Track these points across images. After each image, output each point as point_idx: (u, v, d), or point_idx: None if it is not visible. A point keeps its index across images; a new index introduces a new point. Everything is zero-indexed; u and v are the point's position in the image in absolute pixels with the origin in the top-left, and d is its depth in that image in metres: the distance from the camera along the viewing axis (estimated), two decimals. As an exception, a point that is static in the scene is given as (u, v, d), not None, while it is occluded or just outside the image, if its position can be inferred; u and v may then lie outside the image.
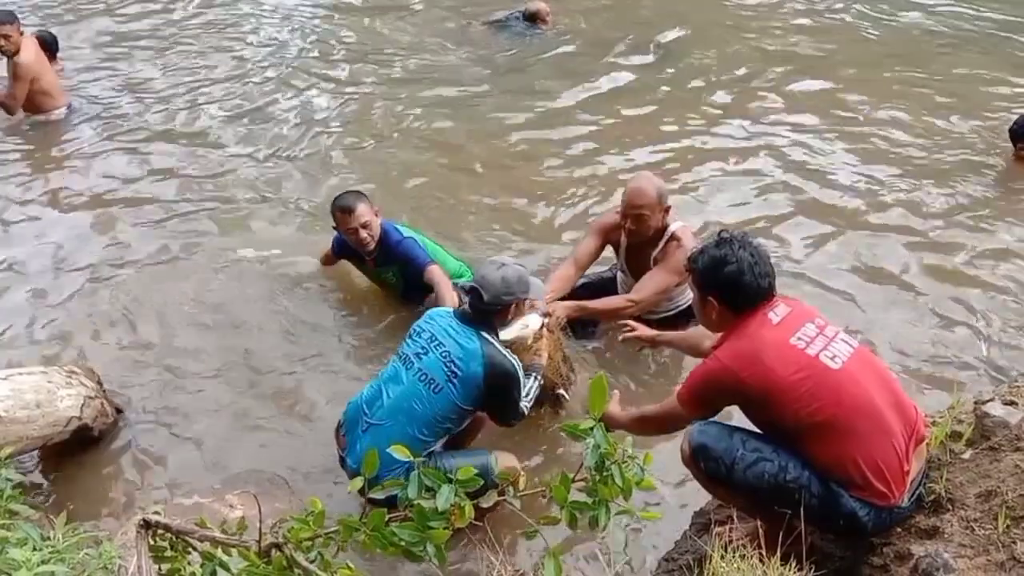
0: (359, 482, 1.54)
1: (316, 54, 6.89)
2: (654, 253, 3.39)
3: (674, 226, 3.37)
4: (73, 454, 3.18)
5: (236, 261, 4.31)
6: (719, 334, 2.39)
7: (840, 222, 4.52)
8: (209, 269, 4.27)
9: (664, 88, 6.13)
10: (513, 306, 2.81)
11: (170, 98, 6.04)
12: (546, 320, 3.09)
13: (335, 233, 3.74)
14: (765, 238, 4.30)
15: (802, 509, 2.14)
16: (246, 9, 7.80)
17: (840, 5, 7.61)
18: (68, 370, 3.25)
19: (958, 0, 7.64)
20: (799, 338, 2.22)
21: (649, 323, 3.42)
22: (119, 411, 3.37)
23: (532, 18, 7.34)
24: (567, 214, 4.65)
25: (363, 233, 3.55)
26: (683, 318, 3.50)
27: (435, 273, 3.51)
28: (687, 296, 3.40)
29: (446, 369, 2.68)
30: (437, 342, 2.74)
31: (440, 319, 2.81)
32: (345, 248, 3.78)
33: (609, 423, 2.52)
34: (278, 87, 6.24)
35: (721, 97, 5.96)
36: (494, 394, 2.74)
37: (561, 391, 3.21)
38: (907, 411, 2.26)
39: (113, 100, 6.01)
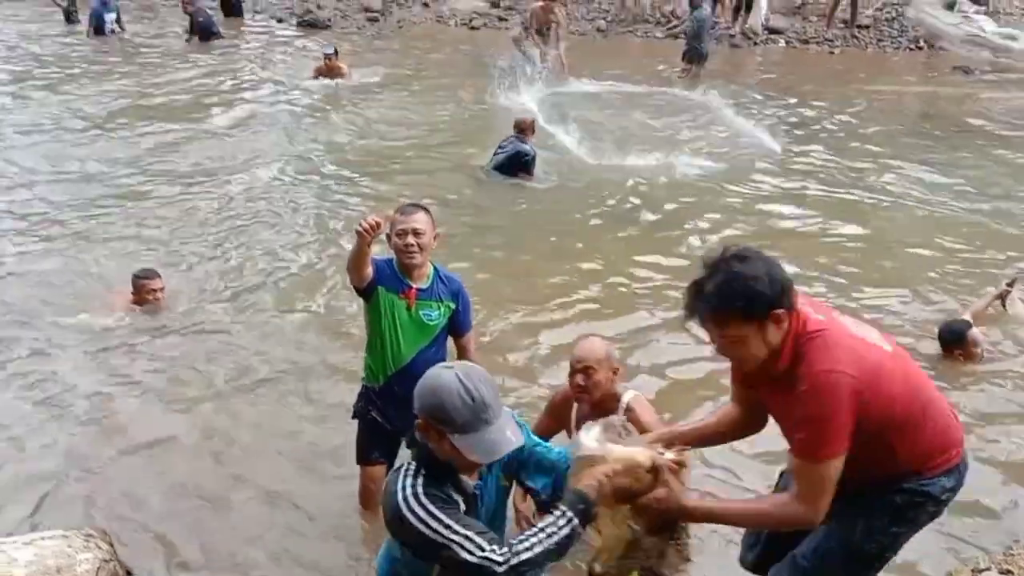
0: None
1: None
2: None
3: (627, 396, 3.29)
4: (83, 621, 3.13)
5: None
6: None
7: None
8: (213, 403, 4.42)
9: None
10: (420, 423, 2.04)
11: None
12: (664, 458, 2.13)
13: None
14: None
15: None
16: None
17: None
18: (85, 533, 3.25)
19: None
20: (853, 326, 2.20)
21: None
22: (130, 575, 3.35)
23: (520, 130, 7.87)
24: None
25: (411, 239, 3.15)
26: None
27: (473, 340, 3.40)
28: None
29: None
30: None
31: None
32: (383, 273, 3.26)
33: (694, 518, 2.21)
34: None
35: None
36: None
37: None
38: None
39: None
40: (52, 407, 4.48)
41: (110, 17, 14.47)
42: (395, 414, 3.33)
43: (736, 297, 2.05)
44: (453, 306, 3.32)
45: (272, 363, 4.90)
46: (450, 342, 3.44)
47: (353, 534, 3.64)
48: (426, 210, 3.25)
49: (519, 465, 2.23)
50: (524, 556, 1.95)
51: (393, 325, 3.26)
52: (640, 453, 2.10)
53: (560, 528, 1.98)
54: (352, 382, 3.57)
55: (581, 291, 5.84)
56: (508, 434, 2.01)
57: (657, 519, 2.15)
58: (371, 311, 3.30)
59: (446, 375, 2.01)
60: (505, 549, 1.94)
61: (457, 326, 3.36)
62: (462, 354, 3.37)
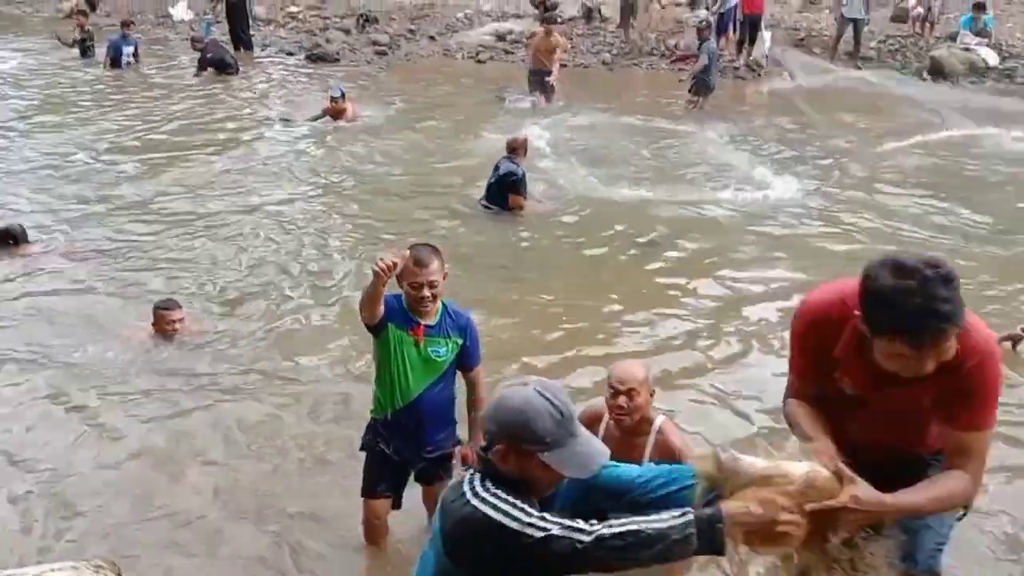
0: None
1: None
2: (647, 446, 3.30)
3: (659, 420, 3.35)
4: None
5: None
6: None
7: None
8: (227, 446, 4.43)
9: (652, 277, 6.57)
10: (500, 450, 1.96)
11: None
12: (820, 473, 1.90)
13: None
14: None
15: None
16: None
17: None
18: (95, 564, 3.26)
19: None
20: None
21: None
22: (139, 607, 3.38)
23: (512, 150, 7.90)
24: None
25: (427, 292, 3.18)
26: None
27: (482, 374, 3.43)
28: None
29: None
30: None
31: None
32: (393, 309, 3.27)
33: (891, 513, 2.04)
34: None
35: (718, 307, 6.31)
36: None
37: None
38: None
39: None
40: (63, 440, 4.55)
41: (128, 50, 14.70)
42: (403, 446, 3.38)
43: (960, 299, 1.99)
44: (461, 341, 3.35)
45: (288, 399, 4.95)
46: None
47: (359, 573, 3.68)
48: (437, 252, 3.25)
49: (583, 492, 2.06)
50: (617, 529, 1.79)
51: (402, 361, 3.29)
52: (817, 465, 1.91)
53: (673, 520, 1.78)
54: (364, 417, 3.61)
55: (607, 323, 5.90)
56: (596, 444, 1.98)
57: (857, 523, 1.95)
58: (380, 346, 3.34)
59: (527, 393, 1.95)
60: (594, 520, 1.82)
61: (465, 361, 3.40)
62: (471, 388, 3.43)
